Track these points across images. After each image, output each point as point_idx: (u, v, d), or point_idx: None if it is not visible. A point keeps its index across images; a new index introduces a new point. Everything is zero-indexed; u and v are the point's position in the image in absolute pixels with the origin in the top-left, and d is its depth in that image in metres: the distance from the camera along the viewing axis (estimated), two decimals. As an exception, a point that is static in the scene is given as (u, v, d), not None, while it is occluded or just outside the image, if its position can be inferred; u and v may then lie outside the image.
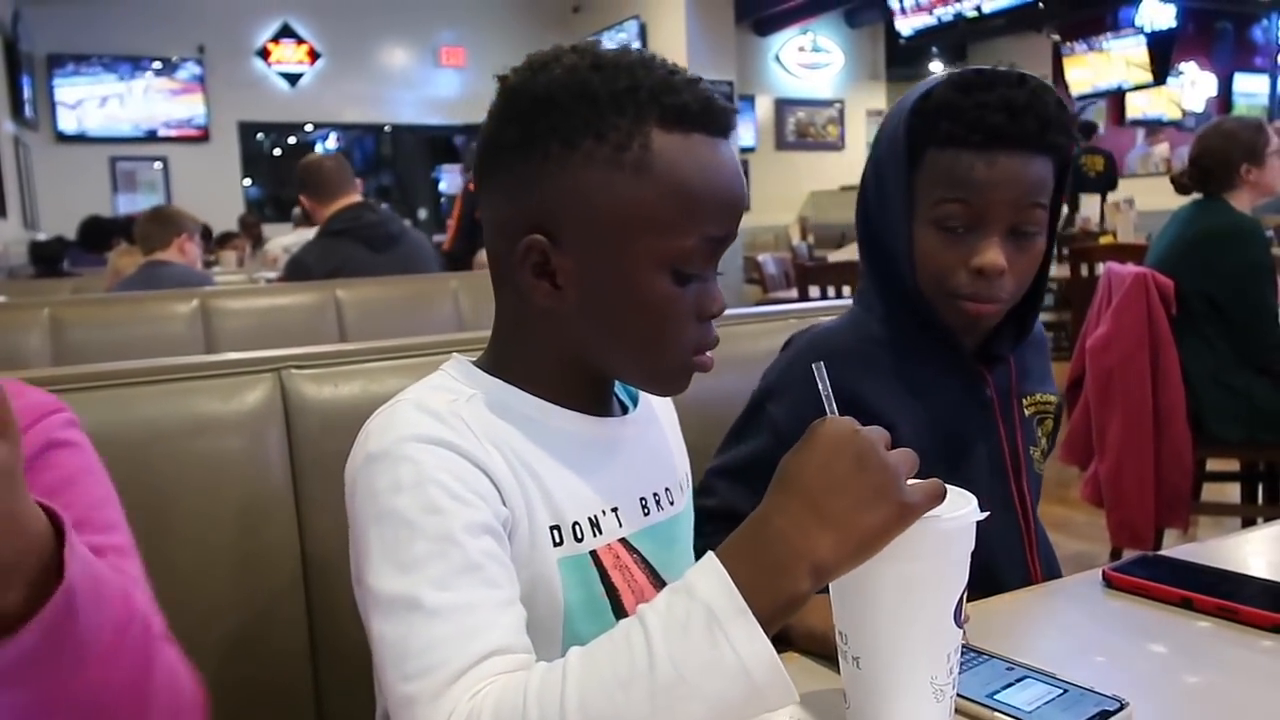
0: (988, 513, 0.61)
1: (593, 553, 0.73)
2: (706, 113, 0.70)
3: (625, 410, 0.81)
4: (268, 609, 0.94)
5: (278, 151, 9.71)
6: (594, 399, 0.77)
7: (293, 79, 9.04)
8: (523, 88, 0.71)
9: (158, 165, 8.75)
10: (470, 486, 0.66)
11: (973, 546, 0.61)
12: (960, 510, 0.60)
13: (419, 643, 0.59)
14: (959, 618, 0.61)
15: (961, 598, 0.61)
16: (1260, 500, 2.98)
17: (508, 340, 0.77)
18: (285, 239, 5.47)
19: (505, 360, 0.76)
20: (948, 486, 0.63)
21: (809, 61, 10.01)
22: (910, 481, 0.59)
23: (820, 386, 0.65)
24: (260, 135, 9.37)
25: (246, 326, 2.43)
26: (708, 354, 0.74)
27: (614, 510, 0.75)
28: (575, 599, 0.69)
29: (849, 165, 9.75)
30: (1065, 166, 0.97)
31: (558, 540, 0.72)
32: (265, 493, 0.95)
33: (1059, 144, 0.94)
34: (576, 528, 0.73)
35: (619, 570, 0.74)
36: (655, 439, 0.83)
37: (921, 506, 0.58)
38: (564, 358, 0.74)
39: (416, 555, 0.62)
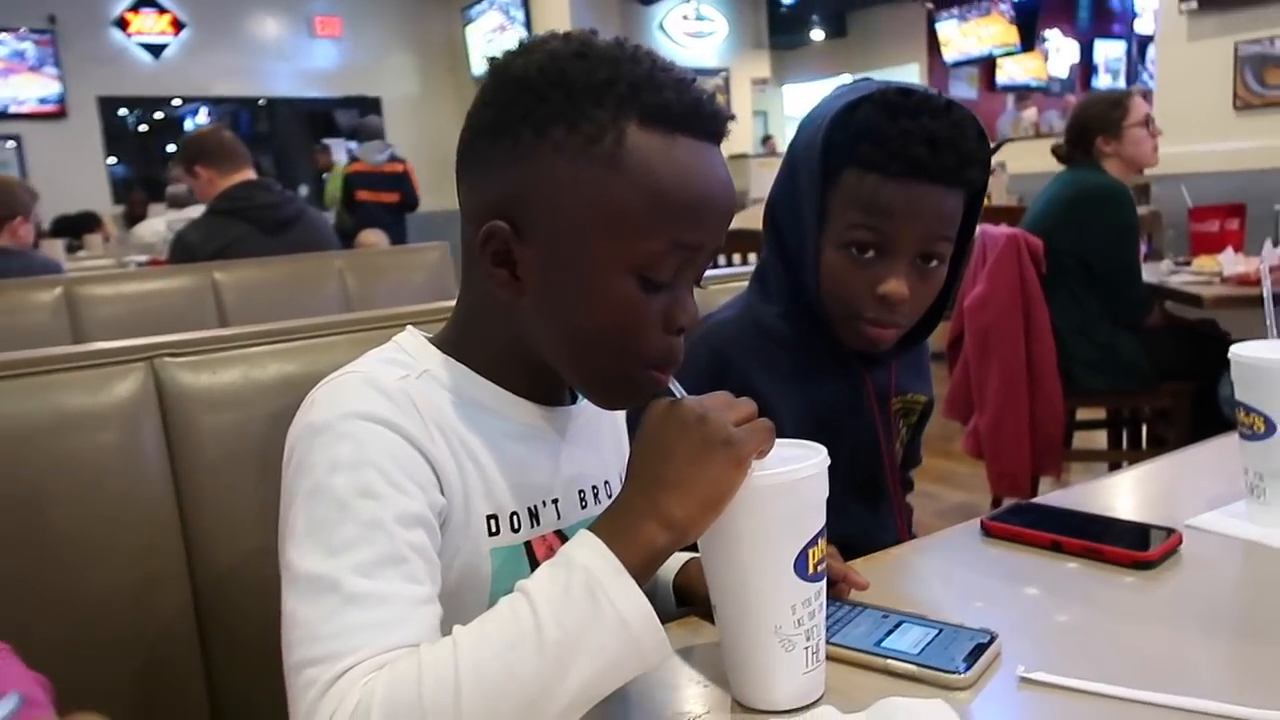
0: (814, 471, 0.63)
1: (527, 543, 0.73)
2: (693, 115, 0.67)
3: (576, 398, 0.79)
4: (151, 605, 0.90)
5: (144, 128, 9.20)
6: (546, 387, 0.76)
7: (156, 50, 8.57)
8: (503, 70, 0.69)
9: (10, 144, 8.19)
10: (409, 473, 0.65)
11: (815, 503, 0.64)
12: (783, 467, 0.63)
13: (331, 627, 0.58)
14: (805, 571, 0.63)
15: (807, 553, 0.63)
16: (1125, 445, 3.18)
17: (465, 322, 0.76)
18: (163, 218, 5.19)
19: (460, 341, 0.75)
20: (800, 443, 0.66)
21: (693, 30, 10.03)
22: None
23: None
24: (124, 111, 8.86)
25: (117, 315, 2.30)
26: (666, 373, 0.69)
27: (554, 502, 0.75)
28: (503, 589, 0.69)
29: (735, 133, 9.76)
30: (977, 199, 0.98)
31: (493, 530, 0.71)
32: (143, 488, 0.91)
33: (974, 179, 0.95)
34: (514, 518, 0.72)
35: None
36: (601, 430, 0.82)
37: (749, 445, 0.62)
38: (517, 347, 0.73)
39: (344, 538, 0.61)
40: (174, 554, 0.91)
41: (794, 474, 0.62)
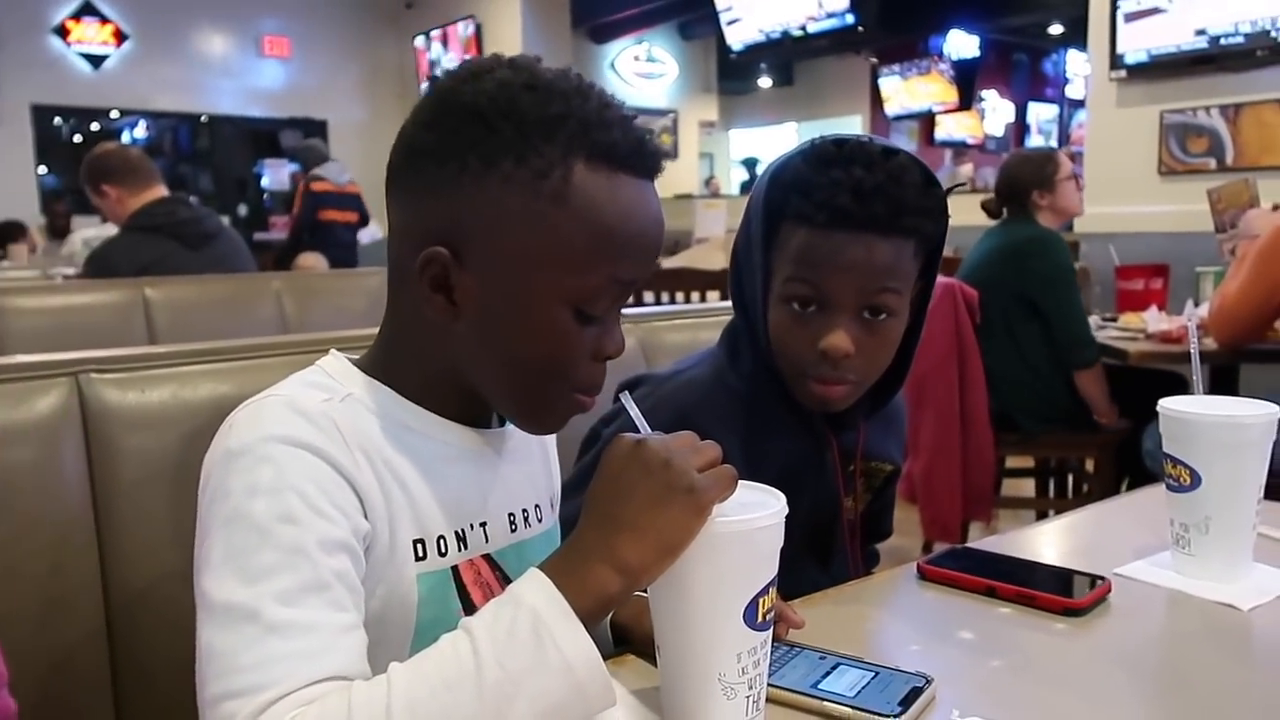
0: (772, 521, 0.62)
1: (454, 568, 0.71)
2: (636, 154, 0.68)
3: (504, 422, 0.78)
4: (60, 630, 0.86)
5: (78, 138, 8.96)
6: (473, 410, 0.75)
7: (96, 61, 8.38)
8: (450, 94, 0.68)
9: (-64, 148, 7.93)
10: (332, 499, 0.63)
11: (770, 553, 0.63)
12: (747, 515, 0.62)
13: (251, 658, 0.56)
14: (753, 619, 0.62)
15: (757, 601, 0.62)
16: (1052, 494, 3.26)
17: (391, 345, 0.75)
18: (88, 231, 5.03)
19: (386, 364, 0.74)
20: (758, 486, 0.66)
21: (644, 71, 10.17)
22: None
23: (631, 412, 0.68)
24: (58, 120, 8.63)
25: (41, 327, 2.23)
26: (591, 396, 0.72)
27: (482, 525, 0.74)
28: (429, 615, 0.67)
29: (681, 174, 9.96)
30: (934, 249, 0.95)
31: (420, 554, 0.70)
32: (59, 507, 0.87)
33: (916, 228, 0.92)
34: (441, 542, 0.71)
35: (479, 587, 0.73)
36: (530, 454, 0.82)
37: (711, 492, 0.61)
38: (446, 370, 0.72)
39: (264, 565, 0.59)
40: (88, 577, 0.87)
41: (752, 523, 0.61)
